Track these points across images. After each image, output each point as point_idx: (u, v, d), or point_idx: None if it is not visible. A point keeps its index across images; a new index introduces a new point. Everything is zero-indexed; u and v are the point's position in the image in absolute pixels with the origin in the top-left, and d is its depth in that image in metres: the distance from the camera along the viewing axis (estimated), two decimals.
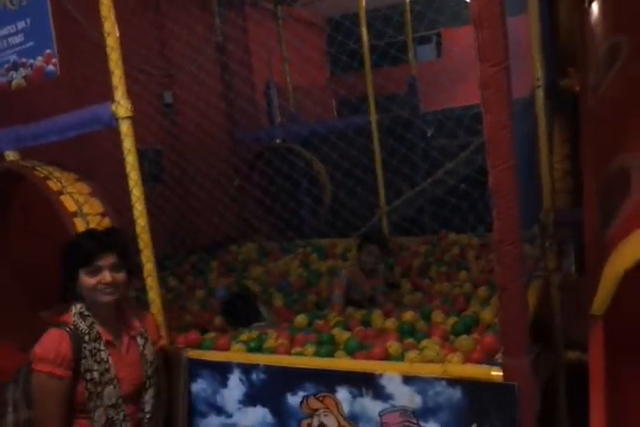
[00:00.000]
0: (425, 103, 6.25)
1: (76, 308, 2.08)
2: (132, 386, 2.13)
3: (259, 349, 2.53)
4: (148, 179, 3.70)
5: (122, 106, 2.47)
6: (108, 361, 2.06)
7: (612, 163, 2.04)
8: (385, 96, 5.18)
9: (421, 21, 5.72)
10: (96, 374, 2.02)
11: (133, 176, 2.52)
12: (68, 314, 2.08)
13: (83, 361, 2.01)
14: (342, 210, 3.91)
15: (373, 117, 4.82)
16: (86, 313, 2.08)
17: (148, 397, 2.18)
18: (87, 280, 2.03)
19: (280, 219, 4.01)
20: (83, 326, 2.04)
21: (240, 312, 3.07)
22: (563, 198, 3.51)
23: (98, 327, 2.08)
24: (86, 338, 2.03)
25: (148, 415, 2.18)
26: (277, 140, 5.74)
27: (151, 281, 2.59)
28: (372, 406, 2.13)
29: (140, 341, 2.18)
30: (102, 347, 2.06)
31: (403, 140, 4.48)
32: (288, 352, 2.46)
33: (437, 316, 2.74)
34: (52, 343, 1.99)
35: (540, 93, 3.02)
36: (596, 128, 2.52)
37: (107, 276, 2.03)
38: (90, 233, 2.30)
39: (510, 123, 1.80)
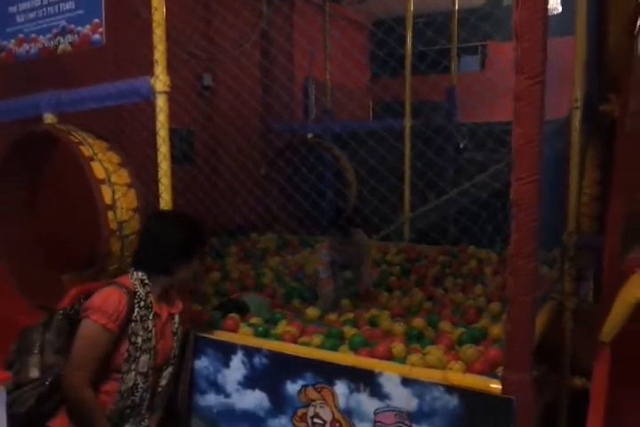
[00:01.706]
0: (462, 114, 6.20)
1: (138, 274, 2.17)
2: (163, 359, 2.22)
3: (266, 334, 2.54)
4: (178, 157, 3.73)
5: (160, 80, 2.49)
6: (151, 331, 2.14)
7: None
8: (423, 102, 5.15)
9: (468, 31, 5.65)
10: (139, 340, 2.10)
11: (163, 150, 2.54)
12: (126, 277, 2.17)
13: (132, 324, 2.09)
14: (366, 210, 3.90)
15: (408, 122, 4.81)
16: (147, 281, 2.17)
17: (167, 373, 2.27)
18: (196, 261, 2.31)
19: (302, 212, 4.01)
20: (142, 291, 2.14)
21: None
22: (588, 223, 3.47)
23: (152, 297, 2.17)
24: (141, 304, 2.11)
25: (159, 389, 2.25)
26: (309, 135, 5.75)
27: None
28: (367, 403, 2.13)
29: (176, 319, 2.29)
30: (151, 316, 2.15)
31: (435, 148, 4.46)
32: (294, 341, 2.47)
33: (445, 325, 2.72)
34: (113, 299, 2.07)
35: (577, 114, 2.98)
36: (630, 154, 2.48)
37: None
38: None
39: (539, 137, 1.77)
